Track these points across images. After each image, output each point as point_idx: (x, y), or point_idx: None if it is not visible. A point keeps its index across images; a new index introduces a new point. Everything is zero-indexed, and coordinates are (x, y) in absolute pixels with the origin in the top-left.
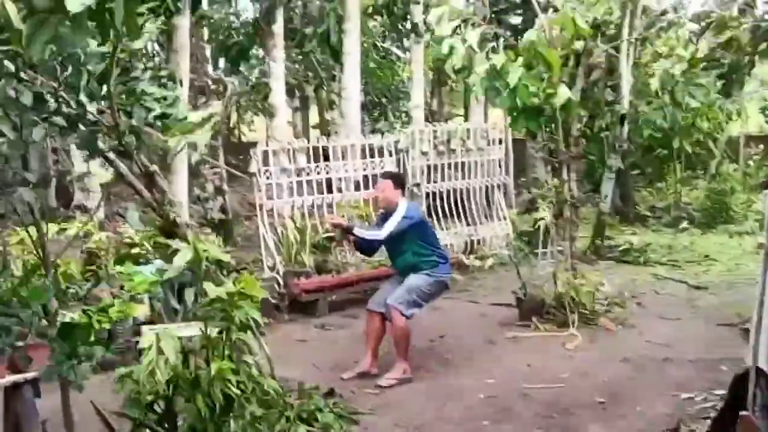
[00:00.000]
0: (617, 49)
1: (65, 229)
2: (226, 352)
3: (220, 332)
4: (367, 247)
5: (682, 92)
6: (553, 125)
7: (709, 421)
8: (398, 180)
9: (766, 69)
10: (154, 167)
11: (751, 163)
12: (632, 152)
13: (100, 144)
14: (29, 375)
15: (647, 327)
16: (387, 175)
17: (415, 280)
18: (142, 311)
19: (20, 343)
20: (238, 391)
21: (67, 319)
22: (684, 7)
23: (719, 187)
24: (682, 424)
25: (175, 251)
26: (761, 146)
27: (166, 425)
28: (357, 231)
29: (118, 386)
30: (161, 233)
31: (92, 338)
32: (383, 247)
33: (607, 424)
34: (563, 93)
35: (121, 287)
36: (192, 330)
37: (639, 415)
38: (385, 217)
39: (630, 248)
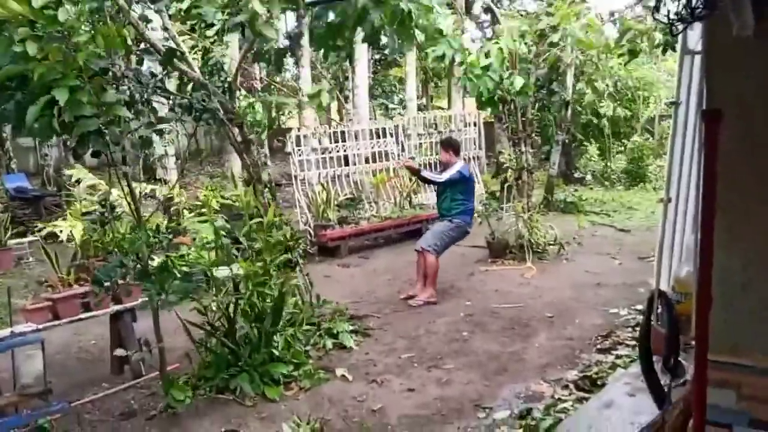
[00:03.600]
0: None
1: (153, 195)
2: (275, 281)
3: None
4: (428, 183)
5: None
6: (511, 109)
7: (629, 328)
8: (452, 145)
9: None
10: (252, 136)
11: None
12: (573, 130)
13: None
14: (128, 305)
15: (585, 260)
16: (444, 143)
17: (438, 226)
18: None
19: (122, 281)
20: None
21: (155, 264)
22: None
23: (637, 155)
24: (612, 330)
25: (239, 214)
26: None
27: (229, 335)
28: (423, 172)
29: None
30: (250, 186)
31: (176, 277)
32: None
33: (554, 332)
34: (518, 82)
35: (194, 239)
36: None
37: (578, 326)
38: (444, 169)
39: (572, 202)
